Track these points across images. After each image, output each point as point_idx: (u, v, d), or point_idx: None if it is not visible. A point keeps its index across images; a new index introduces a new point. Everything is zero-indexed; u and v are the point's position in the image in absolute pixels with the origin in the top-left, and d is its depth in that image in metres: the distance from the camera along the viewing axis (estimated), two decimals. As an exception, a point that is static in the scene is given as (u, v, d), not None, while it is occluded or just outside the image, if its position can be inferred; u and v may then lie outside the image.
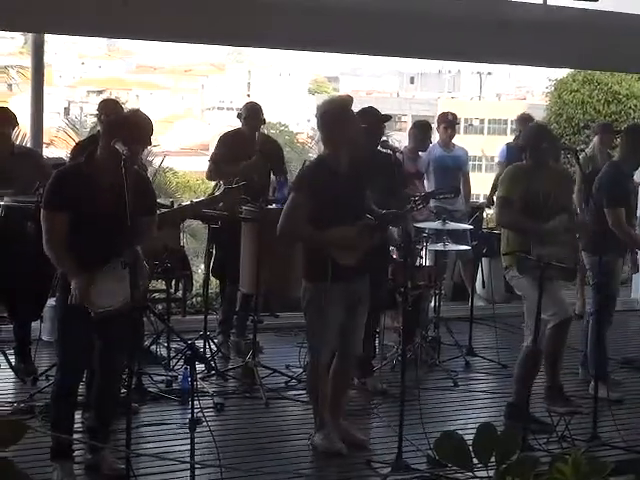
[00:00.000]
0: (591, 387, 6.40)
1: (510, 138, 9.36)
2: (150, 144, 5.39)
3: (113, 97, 40.89)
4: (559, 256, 6.00)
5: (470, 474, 2.73)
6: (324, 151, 5.76)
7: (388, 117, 7.14)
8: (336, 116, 5.56)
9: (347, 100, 5.78)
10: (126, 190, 4.72)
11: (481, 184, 13.32)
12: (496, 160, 10.03)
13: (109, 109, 7.10)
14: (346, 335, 5.68)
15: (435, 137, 9.86)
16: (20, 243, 6.33)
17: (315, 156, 9.11)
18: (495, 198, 6.62)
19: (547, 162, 6.48)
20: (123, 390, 5.56)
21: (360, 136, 5.65)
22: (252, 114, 7.87)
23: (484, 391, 7.09)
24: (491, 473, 2.45)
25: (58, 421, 5.23)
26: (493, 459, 2.42)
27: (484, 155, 46.81)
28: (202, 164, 8.20)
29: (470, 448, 2.44)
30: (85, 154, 5.19)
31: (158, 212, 5.54)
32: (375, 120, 6.81)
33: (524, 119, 9.86)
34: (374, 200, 5.82)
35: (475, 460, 2.47)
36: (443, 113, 10.08)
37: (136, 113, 5.50)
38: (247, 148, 7.68)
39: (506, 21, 8.77)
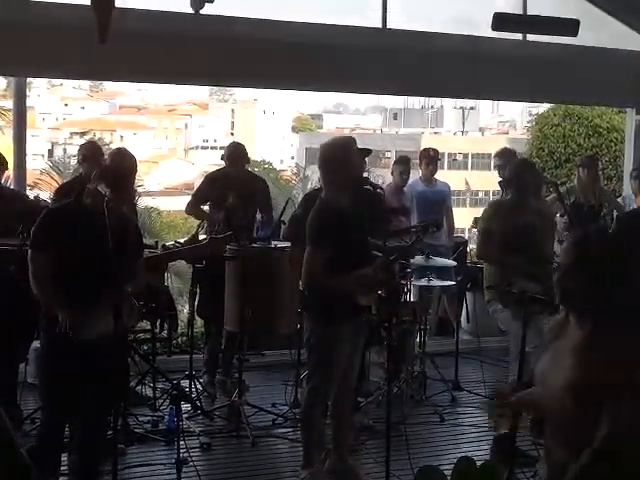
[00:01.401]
0: None
1: (494, 173, 9.38)
2: (131, 187, 5.40)
3: (96, 139, 40.98)
4: (541, 288, 6.02)
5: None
6: (325, 193, 5.65)
7: (368, 151, 7.17)
8: (339, 158, 5.51)
9: (349, 140, 5.76)
10: (109, 231, 4.74)
11: (465, 219, 13.38)
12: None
13: (89, 151, 7.13)
14: (348, 371, 5.70)
15: (417, 172, 9.93)
16: (3, 286, 6.31)
17: (298, 193, 9.12)
18: (477, 231, 6.64)
19: (530, 197, 6.54)
20: (109, 431, 5.53)
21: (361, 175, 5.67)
22: (235, 155, 7.90)
23: (471, 425, 7.07)
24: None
25: (44, 464, 5.18)
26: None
27: (468, 188, 47.00)
28: (185, 204, 8.21)
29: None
30: (74, 195, 5.21)
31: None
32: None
33: (505, 153, 9.94)
34: None
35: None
36: (425, 149, 10.15)
37: (118, 153, 5.52)
38: (231, 188, 7.69)
39: (487, 57, 8.87)
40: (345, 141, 5.78)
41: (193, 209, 8.06)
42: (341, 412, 5.82)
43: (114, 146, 25.60)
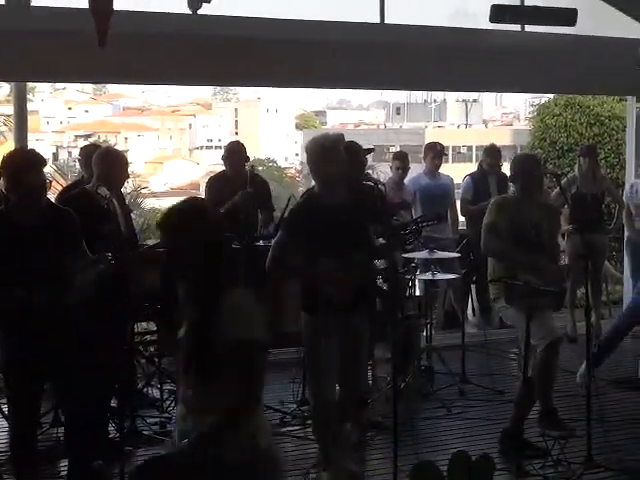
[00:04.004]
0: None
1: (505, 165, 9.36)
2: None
3: (100, 141, 40.99)
4: (545, 284, 6.02)
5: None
6: (314, 185, 5.74)
7: (369, 150, 7.18)
8: (322, 153, 5.54)
9: (334, 137, 5.77)
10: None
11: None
12: (459, 195, 10.01)
13: (90, 154, 7.15)
14: (348, 370, 5.66)
15: (421, 166, 9.94)
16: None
17: (303, 190, 9.13)
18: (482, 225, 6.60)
19: (536, 193, 6.53)
20: (117, 434, 5.54)
21: (346, 171, 5.66)
22: (233, 154, 7.92)
23: (479, 418, 7.06)
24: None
25: (20, 473, 5.10)
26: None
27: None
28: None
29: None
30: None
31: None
32: (356, 154, 6.83)
33: (493, 150, 9.95)
34: None
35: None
36: (430, 143, 10.18)
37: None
38: (232, 189, 7.69)
39: (486, 49, 8.86)
40: (329, 137, 5.77)
41: None
42: (345, 410, 5.79)
43: (119, 148, 25.69)
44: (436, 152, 9.73)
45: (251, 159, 8.42)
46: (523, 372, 5.84)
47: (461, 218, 10.09)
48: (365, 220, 5.71)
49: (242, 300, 3.57)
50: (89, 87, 70.74)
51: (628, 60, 9.48)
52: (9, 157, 5.05)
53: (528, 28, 9.33)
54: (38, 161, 5.01)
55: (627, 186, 9.97)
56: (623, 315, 7.42)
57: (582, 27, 9.08)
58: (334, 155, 5.52)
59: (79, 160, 7.87)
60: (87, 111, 73.43)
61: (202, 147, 70.91)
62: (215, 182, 8.16)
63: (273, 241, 5.68)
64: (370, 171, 8.47)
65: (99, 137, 54.28)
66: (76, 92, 72.97)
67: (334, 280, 5.41)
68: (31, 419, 5.13)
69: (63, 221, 5.08)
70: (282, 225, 5.74)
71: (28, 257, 4.78)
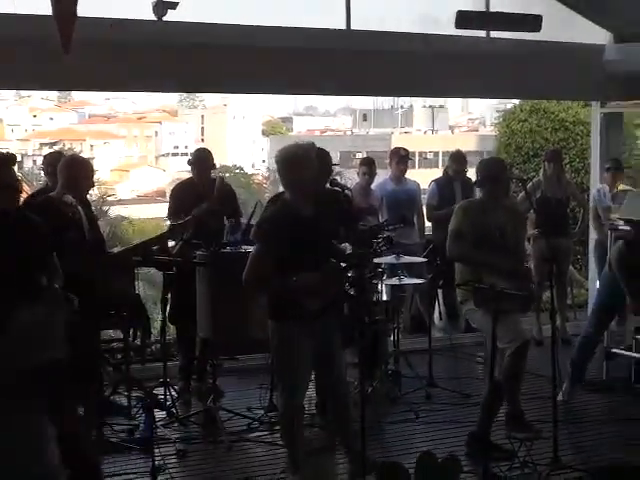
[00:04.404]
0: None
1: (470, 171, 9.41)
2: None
3: (65, 149, 40.74)
4: (512, 287, 6.05)
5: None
6: (284, 192, 5.73)
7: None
8: (296, 161, 5.54)
9: (306, 145, 5.77)
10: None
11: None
12: (424, 201, 10.07)
13: (55, 161, 7.12)
14: (326, 379, 5.70)
15: (388, 172, 9.97)
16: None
17: (269, 196, 9.13)
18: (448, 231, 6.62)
19: (502, 197, 6.58)
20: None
21: (316, 180, 5.67)
22: (200, 160, 7.92)
23: (446, 421, 7.09)
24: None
25: None
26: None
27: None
28: (158, 211, 8.23)
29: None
30: None
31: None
32: (323, 160, 6.85)
33: (458, 156, 10.01)
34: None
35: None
36: (395, 148, 10.22)
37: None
38: (198, 195, 7.69)
39: (452, 55, 8.91)
40: (299, 146, 5.77)
41: None
42: (334, 414, 5.84)
43: (85, 156, 25.59)
44: (400, 157, 9.77)
45: (218, 166, 8.45)
46: (490, 375, 5.87)
47: (427, 223, 10.13)
48: (335, 226, 5.74)
49: None
50: (54, 95, 70.43)
51: (593, 66, 9.58)
52: None
53: (493, 34, 9.39)
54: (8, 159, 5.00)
55: (594, 190, 10.05)
56: (591, 317, 7.55)
57: (547, 33, 9.15)
58: (308, 163, 5.53)
59: (43, 168, 7.84)
60: (52, 119, 72.95)
61: (168, 154, 70.65)
62: (180, 189, 8.17)
63: (251, 253, 5.61)
64: (338, 177, 8.49)
65: (64, 145, 53.94)
66: (41, 100, 72.54)
67: (310, 288, 5.41)
68: None
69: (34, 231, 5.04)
70: (258, 235, 5.64)
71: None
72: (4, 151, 5.45)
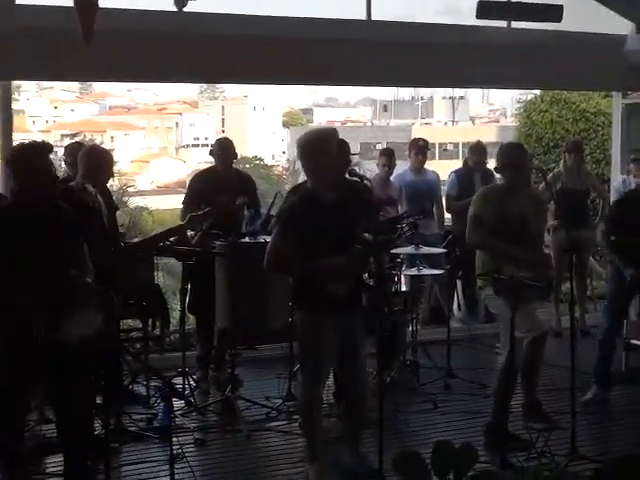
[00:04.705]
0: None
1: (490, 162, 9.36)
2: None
3: (86, 140, 40.88)
4: (532, 275, 6.04)
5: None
6: (308, 181, 5.72)
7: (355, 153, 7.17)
8: (318, 145, 5.54)
9: (328, 130, 5.77)
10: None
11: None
12: (444, 192, 10.03)
13: (75, 152, 7.15)
14: (347, 370, 5.69)
15: (407, 163, 9.96)
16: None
17: (289, 187, 9.13)
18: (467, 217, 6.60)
19: (523, 184, 6.54)
20: (98, 431, 5.51)
21: (338, 167, 5.67)
22: (223, 150, 7.92)
23: (464, 412, 7.09)
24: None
25: (8, 471, 5.00)
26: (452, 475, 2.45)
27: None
28: (178, 202, 8.25)
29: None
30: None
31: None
32: (343, 150, 6.85)
33: (479, 147, 9.97)
34: None
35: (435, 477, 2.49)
36: (414, 139, 10.21)
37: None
38: (219, 184, 7.71)
39: (473, 45, 8.89)
40: (322, 131, 5.77)
41: (183, 217, 8.01)
42: (351, 405, 5.81)
43: (105, 147, 25.68)
44: (419, 148, 9.76)
45: (238, 157, 8.45)
46: (507, 363, 5.87)
47: (447, 214, 10.12)
48: (357, 214, 5.73)
49: None
50: (75, 86, 70.48)
51: (614, 56, 9.54)
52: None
53: (514, 24, 9.37)
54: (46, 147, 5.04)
55: (619, 180, 9.98)
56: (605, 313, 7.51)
57: (568, 23, 9.13)
58: (330, 148, 5.53)
59: (64, 159, 7.88)
60: (73, 110, 73.07)
61: (189, 145, 70.69)
62: (198, 179, 8.19)
63: (270, 239, 5.65)
64: (357, 168, 8.48)
65: (85, 136, 54.11)
66: (62, 91, 72.67)
67: (335, 276, 5.42)
68: (20, 417, 5.12)
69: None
70: (279, 223, 5.66)
71: (29, 249, 4.75)
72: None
